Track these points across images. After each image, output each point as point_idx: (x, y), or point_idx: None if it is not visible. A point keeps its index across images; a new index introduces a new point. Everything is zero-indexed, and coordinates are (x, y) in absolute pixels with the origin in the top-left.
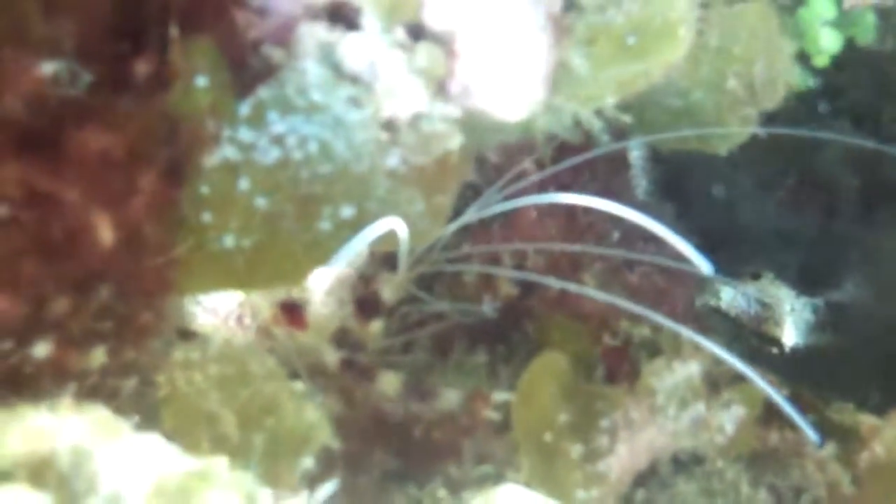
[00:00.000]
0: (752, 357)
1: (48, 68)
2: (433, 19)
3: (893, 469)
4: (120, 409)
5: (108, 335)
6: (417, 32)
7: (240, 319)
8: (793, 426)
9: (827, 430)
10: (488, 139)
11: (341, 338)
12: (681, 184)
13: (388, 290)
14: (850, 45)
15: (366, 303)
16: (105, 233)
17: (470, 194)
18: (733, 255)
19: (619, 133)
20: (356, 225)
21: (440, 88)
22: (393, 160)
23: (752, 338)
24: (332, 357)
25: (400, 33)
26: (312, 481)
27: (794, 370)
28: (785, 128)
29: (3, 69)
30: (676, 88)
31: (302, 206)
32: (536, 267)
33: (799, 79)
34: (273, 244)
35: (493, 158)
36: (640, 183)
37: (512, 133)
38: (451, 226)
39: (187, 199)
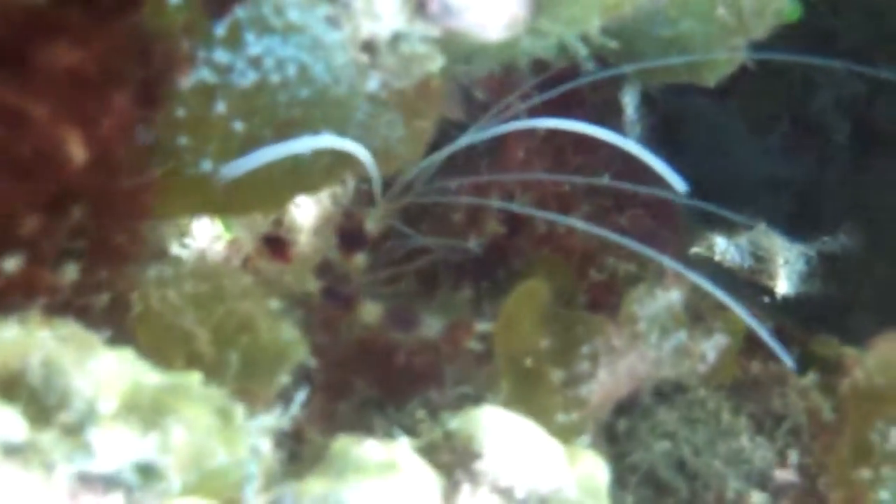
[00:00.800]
0: (743, 302)
1: None
2: None
3: (872, 394)
4: (92, 326)
5: (80, 255)
6: None
7: (226, 259)
8: (775, 356)
9: (809, 361)
10: (472, 66)
11: (325, 270)
12: (673, 131)
13: (372, 223)
14: None
15: (349, 235)
16: (76, 150)
17: (457, 133)
18: (726, 202)
19: (608, 65)
20: (335, 150)
21: (420, 7)
22: (373, 83)
23: (744, 288)
24: (314, 286)
25: None
26: (288, 399)
27: (785, 313)
28: (772, 54)
29: None
30: (665, 17)
31: (280, 130)
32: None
33: (790, 8)
34: (252, 170)
35: (480, 96)
36: (633, 129)
37: (494, 57)
38: (436, 155)
39: (162, 122)
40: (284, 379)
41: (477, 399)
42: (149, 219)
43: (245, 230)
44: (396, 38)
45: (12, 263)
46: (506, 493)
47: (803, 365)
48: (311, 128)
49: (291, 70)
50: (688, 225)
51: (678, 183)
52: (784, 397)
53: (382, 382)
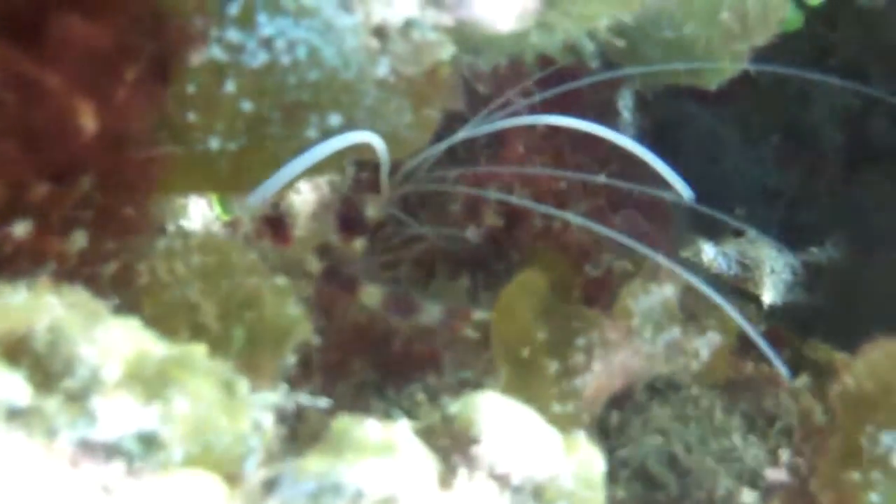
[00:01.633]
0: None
1: None
2: None
3: (862, 400)
4: (99, 294)
5: (88, 224)
6: None
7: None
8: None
9: (801, 363)
10: (479, 58)
11: (324, 253)
12: (667, 135)
13: (372, 207)
14: (842, 2)
15: (349, 219)
16: (88, 121)
17: (458, 126)
18: (718, 209)
19: (611, 65)
20: (343, 133)
21: None
22: (382, 69)
23: (732, 295)
24: (315, 266)
25: None
26: (291, 379)
27: (774, 319)
28: (774, 66)
29: None
30: (670, 20)
31: (288, 112)
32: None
33: (791, 16)
34: (258, 149)
35: (482, 89)
36: (628, 132)
37: (502, 50)
38: (438, 145)
39: (172, 98)
40: (289, 356)
41: (476, 385)
42: (156, 193)
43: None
44: (408, 25)
45: (21, 229)
46: (502, 479)
47: (795, 367)
48: (320, 111)
49: (302, 52)
50: (679, 228)
51: (683, 189)
52: (776, 398)
53: (381, 366)
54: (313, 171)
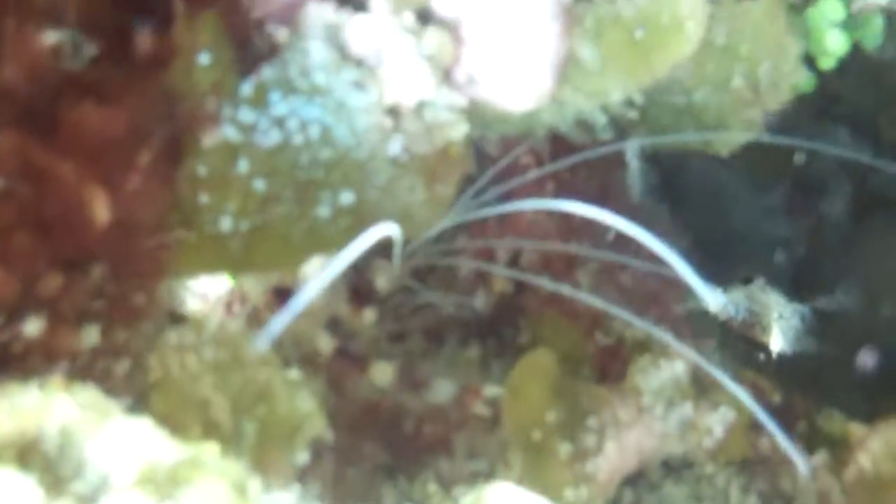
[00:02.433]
0: (741, 360)
1: (51, 38)
2: (442, 4)
3: (879, 482)
4: (111, 392)
5: (99, 315)
6: (425, 17)
7: (229, 306)
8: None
9: (817, 438)
10: (490, 131)
11: (334, 326)
12: (676, 186)
13: (383, 279)
14: (851, 52)
15: (359, 291)
16: (100, 210)
17: (467, 186)
18: (726, 258)
19: (621, 131)
20: (355, 212)
21: (446, 76)
22: (395, 147)
23: (739, 343)
24: (326, 344)
25: (408, 17)
26: (304, 473)
27: (783, 373)
28: (785, 137)
29: (5, 37)
30: (681, 86)
31: (301, 190)
32: (531, 263)
33: (804, 81)
34: (270, 228)
35: (493, 153)
36: (636, 183)
37: (514, 126)
38: (446, 221)
39: (184, 179)
40: (302, 453)
41: (489, 474)
42: (167, 277)
43: (255, 283)
44: (421, 105)
45: (33, 326)
46: None
47: (811, 441)
48: (332, 189)
49: (314, 131)
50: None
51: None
52: (793, 477)
53: (392, 448)
54: (326, 249)
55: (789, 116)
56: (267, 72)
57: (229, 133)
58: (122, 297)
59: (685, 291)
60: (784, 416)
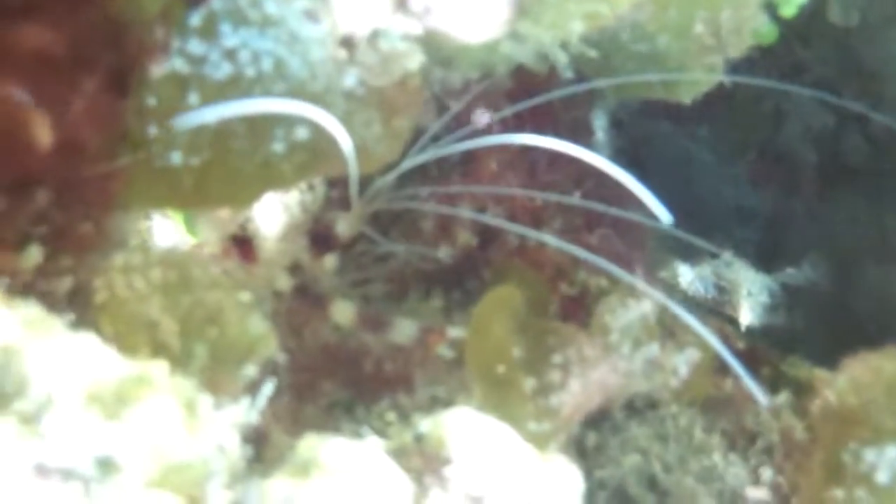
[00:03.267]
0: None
1: None
2: None
3: (844, 416)
4: (55, 310)
5: (44, 240)
6: None
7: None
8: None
9: (781, 382)
10: (450, 73)
11: (294, 271)
12: (642, 155)
13: (343, 224)
14: (816, 20)
15: (319, 236)
16: (42, 133)
17: (429, 143)
18: (691, 230)
19: (584, 80)
20: (310, 147)
21: (401, 4)
22: (350, 80)
23: (709, 316)
24: (285, 283)
25: None
26: (254, 394)
27: (753, 339)
28: (748, 77)
29: None
30: (643, 32)
31: (253, 125)
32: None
33: (766, 30)
34: (222, 164)
35: (454, 106)
36: (602, 151)
37: (474, 61)
38: (407, 162)
39: (133, 110)
40: (252, 372)
41: (448, 402)
42: (115, 209)
43: (212, 231)
44: (376, 34)
45: None
46: (476, 501)
47: (775, 385)
48: (286, 124)
49: (267, 64)
50: (655, 248)
51: (663, 214)
52: (757, 416)
53: (351, 386)
54: (280, 186)
55: (754, 90)
56: (217, 2)
57: (179, 65)
58: (68, 224)
59: (652, 259)
60: (748, 361)
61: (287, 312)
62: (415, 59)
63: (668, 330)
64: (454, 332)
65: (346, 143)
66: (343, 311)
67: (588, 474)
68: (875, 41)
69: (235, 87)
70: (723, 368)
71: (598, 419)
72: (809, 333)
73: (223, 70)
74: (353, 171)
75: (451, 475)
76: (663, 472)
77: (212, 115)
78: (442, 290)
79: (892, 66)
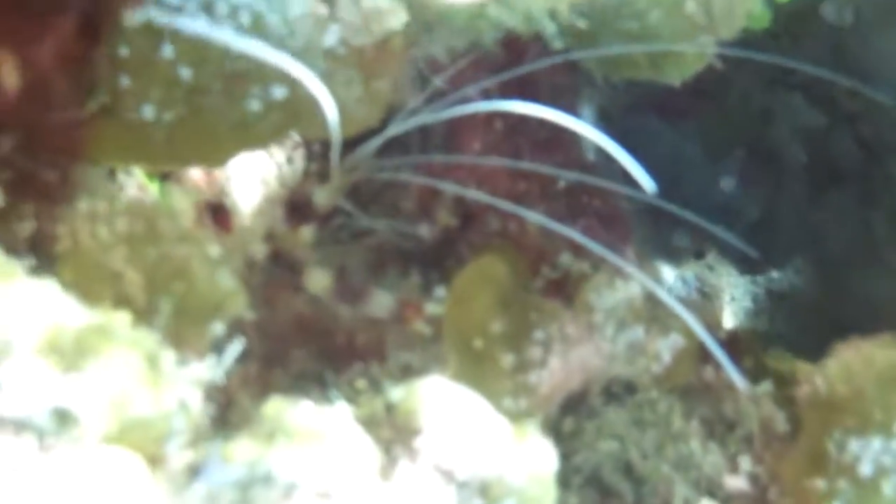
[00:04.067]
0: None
1: None
2: None
3: (832, 403)
4: (14, 254)
5: (6, 185)
6: None
7: None
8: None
9: (763, 372)
10: (435, 41)
11: (270, 240)
12: (629, 150)
13: (321, 195)
14: (809, 19)
15: (296, 207)
16: (9, 75)
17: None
18: (680, 227)
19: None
20: (287, 107)
21: None
22: (331, 38)
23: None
24: (260, 249)
25: None
26: (221, 348)
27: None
28: (741, 51)
29: None
30: (634, 9)
31: (229, 82)
32: (479, 205)
33: (758, 13)
34: (196, 120)
35: (437, 82)
36: (590, 143)
37: (459, 27)
38: (389, 130)
39: (105, 59)
40: (219, 330)
41: (421, 371)
42: (82, 159)
43: (184, 198)
44: None
45: None
46: (446, 474)
47: (757, 376)
48: (263, 82)
49: (245, 19)
50: (638, 243)
51: (646, 182)
52: (737, 404)
53: (322, 356)
54: (254, 145)
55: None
56: None
57: (154, 15)
58: (32, 171)
59: (636, 253)
60: (731, 350)
61: (261, 280)
62: (398, 18)
63: (654, 314)
64: (432, 307)
65: (329, 106)
66: (318, 280)
67: (565, 459)
68: (869, 41)
69: (212, 42)
70: (704, 356)
71: (575, 403)
72: (793, 338)
73: (200, 23)
74: (336, 133)
75: (420, 446)
76: (640, 459)
77: (193, 28)
78: (420, 269)
79: (885, 66)
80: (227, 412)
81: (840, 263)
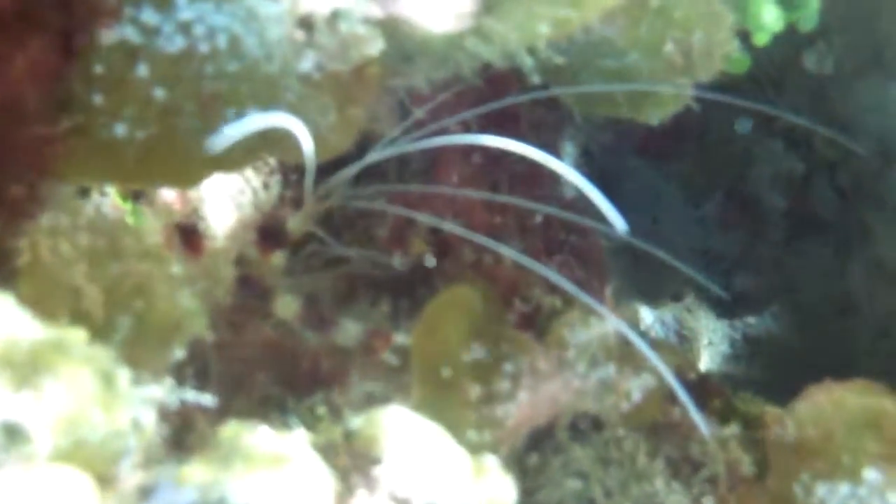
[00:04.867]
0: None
1: None
2: None
3: (801, 446)
4: None
5: None
6: None
7: None
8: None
9: (731, 414)
10: (414, 71)
11: (240, 265)
12: (609, 189)
13: (294, 221)
14: (790, 67)
15: (268, 232)
16: None
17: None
18: (658, 269)
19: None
20: (262, 130)
21: None
22: (307, 63)
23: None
24: (227, 272)
25: None
26: (181, 372)
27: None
28: (718, 94)
29: None
30: (612, 48)
31: (204, 103)
32: (454, 238)
33: (738, 58)
34: (168, 140)
35: (419, 114)
36: (569, 183)
37: (437, 57)
38: (365, 158)
39: (78, 76)
40: (178, 352)
41: (384, 400)
42: (52, 176)
43: (155, 218)
44: (336, 16)
45: None
46: (403, 502)
47: (725, 418)
48: (238, 104)
49: (222, 40)
50: (616, 290)
51: (618, 222)
52: (703, 445)
53: (285, 382)
54: (229, 165)
55: (725, 130)
56: None
57: (129, 34)
58: (0, 185)
59: (612, 291)
60: (700, 392)
61: (228, 303)
62: (375, 45)
63: (626, 353)
64: (401, 338)
65: (303, 133)
66: (287, 306)
67: (527, 495)
68: (848, 90)
69: (187, 62)
70: (673, 395)
71: (541, 438)
72: (767, 383)
73: (176, 43)
74: (310, 159)
75: (379, 475)
76: (603, 498)
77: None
78: (391, 299)
79: (864, 116)
80: (183, 434)
81: (815, 311)
